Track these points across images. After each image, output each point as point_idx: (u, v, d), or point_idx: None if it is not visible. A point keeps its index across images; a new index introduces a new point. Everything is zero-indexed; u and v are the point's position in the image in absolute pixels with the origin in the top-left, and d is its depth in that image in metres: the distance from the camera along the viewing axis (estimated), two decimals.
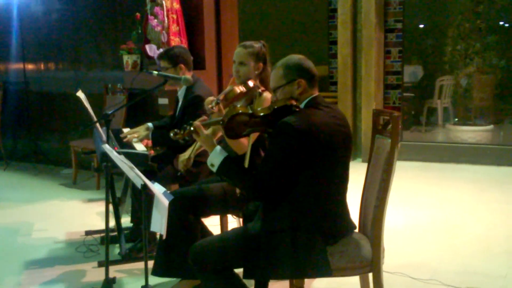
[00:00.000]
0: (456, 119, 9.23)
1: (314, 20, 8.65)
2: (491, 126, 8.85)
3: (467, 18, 8.94)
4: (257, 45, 3.28)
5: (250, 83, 3.09)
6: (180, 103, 4.05)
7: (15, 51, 7.36)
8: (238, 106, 2.59)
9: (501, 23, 9.36)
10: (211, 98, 3.16)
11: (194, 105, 3.87)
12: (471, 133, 8.48)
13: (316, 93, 2.59)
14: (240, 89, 3.05)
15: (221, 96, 3.02)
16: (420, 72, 9.91)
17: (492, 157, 6.92)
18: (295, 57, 2.61)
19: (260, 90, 3.13)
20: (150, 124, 4.04)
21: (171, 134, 2.56)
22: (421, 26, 10.02)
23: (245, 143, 2.87)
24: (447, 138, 8.49)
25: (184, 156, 3.55)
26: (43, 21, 7.07)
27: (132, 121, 5.45)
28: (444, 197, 5.55)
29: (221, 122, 2.54)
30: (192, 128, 2.54)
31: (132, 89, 5.68)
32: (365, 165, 2.87)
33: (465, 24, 8.94)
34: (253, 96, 3.13)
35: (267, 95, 3.09)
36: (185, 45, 5.12)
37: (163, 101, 5.15)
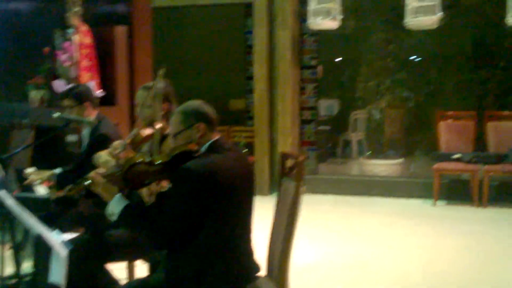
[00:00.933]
0: (369, 153, 9.55)
1: (231, 55, 8.75)
2: (401, 159, 9.21)
3: (379, 56, 9.34)
4: (160, 85, 3.23)
5: (156, 125, 3.05)
6: (84, 144, 3.92)
7: None
8: (137, 155, 2.52)
9: (410, 60, 9.85)
10: (117, 142, 3.08)
11: (99, 145, 3.74)
12: (383, 167, 8.78)
13: (216, 136, 2.58)
14: (146, 131, 2.99)
15: (128, 140, 2.95)
16: (335, 106, 10.21)
17: (403, 190, 7.19)
18: (194, 103, 2.60)
19: (167, 132, 3.09)
20: (57, 170, 3.87)
21: (65, 191, 2.45)
22: (337, 61, 10.38)
23: (153, 190, 2.80)
24: (361, 171, 8.76)
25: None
26: None
27: (39, 159, 5.23)
28: (356, 231, 5.67)
29: (118, 173, 2.47)
30: (87, 182, 2.45)
31: (40, 125, 5.47)
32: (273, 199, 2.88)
33: (376, 62, 9.34)
34: (161, 137, 3.08)
35: None
36: (96, 80, 5.01)
37: (72, 138, 4.99)
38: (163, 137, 3.09)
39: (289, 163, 2.85)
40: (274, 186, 7.56)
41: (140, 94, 3.25)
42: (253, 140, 7.65)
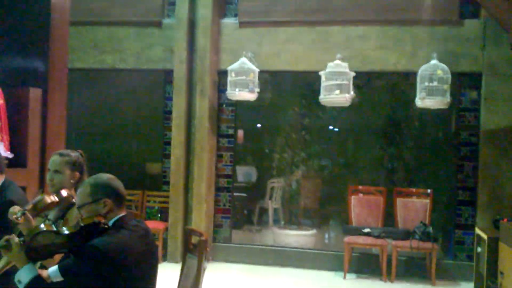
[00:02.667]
0: (283, 223, 9.68)
1: (150, 120, 8.76)
2: (314, 231, 9.39)
3: (294, 128, 9.66)
4: (74, 154, 3.22)
5: (64, 193, 3.00)
6: None
7: None
8: (43, 225, 2.48)
9: (325, 134, 10.23)
10: (16, 208, 2.99)
11: (5, 211, 3.62)
12: (296, 237, 8.89)
13: (123, 212, 2.59)
14: (51, 198, 2.94)
15: (29, 206, 2.88)
16: (253, 173, 10.35)
17: (315, 262, 7.30)
18: (104, 176, 2.61)
19: (74, 200, 3.04)
20: None
21: None
22: (254, 129, 10.62)
23: (57, 259, 2.73)
24: (275, 241, 8.83)
25: None
26: None
27: None
28: None
29: (22, 242, 2.41)
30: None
31: None
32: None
33: (292, 134, 9.64)
34: (66, 206, 3.03)
35: None
36: (6, 142, 4.86)
37: None
38: (70, 205, 3.05)
39: (194, 239, 2.87)
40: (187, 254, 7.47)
41: (53, 160, 3.23)
42: (167, 206, 7.58)
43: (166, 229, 7.49)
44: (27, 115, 5.05)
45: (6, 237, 2.46)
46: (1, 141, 4.78)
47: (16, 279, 2.40)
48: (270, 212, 9.61)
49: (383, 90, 9.12)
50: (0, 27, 5.55)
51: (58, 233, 2.43)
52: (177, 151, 7.51)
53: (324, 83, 6.91)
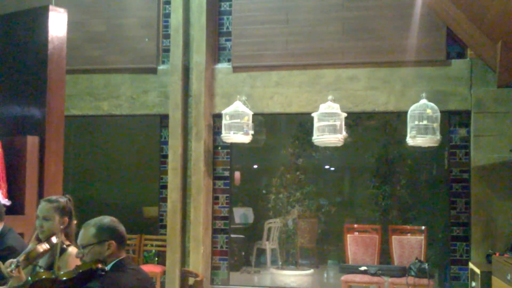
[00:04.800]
0: (281, 263, 9.68)
1: (146, 164, 8.87)
2: (311, 270, 9.39)
3: (289, 169, 9.77)
4: (62, 199, 3.29)
5: (54, 239, 3.07)
6: None
7: None
8: (41, 271, 2.56)
9: (319, 173, 10.35)
10: (9, 261, 3.05)
11: (5, 257, 3.68)
12: (294, 277, 8.90)
13: (123, 255, 2.66)
14: (43, 247, 3.00)
15: (21, 257, 2.93)
16: (249, 214, 10.40)
17: None
18: (108, 219, 2.69)
19: (65, 246, 3.10)
20: None
21: None
22: (250, 170, 10.72)
23: None
24: (273, 282, 8.82)
25: None
26: None
27: None
28: None
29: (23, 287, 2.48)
30: None
31: None
32: None
33: (286, 174, 9.75)
34: (56, 252, 3.08)
35: (72, 250, 3.08)
36: (3, 189, 4.95)
37: None
38: (61, 252, 3.10)
39: (190, 280, 2.94)
40: None
41: (42, 207, 3.29)
42: (165, 249, 7.60)
43: (164, 272, 7.48)
44: (24, 163, 5.15)
45: None
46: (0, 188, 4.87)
47: None
48: (268, 253, 9.63)
49: (375, 129, 9.28)
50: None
51: (57, 280, 2.50)
52: (173, 194, 7.58)
53: (316, 124, 7.05)
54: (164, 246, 7.62)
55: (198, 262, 7.35)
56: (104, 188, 9.11)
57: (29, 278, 2.48)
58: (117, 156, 9.34)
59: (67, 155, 5.68)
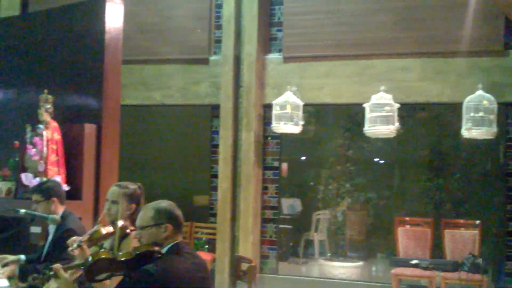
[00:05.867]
0: (329, 254, 9.65)
1: (197, 153, 8.98)
2: (361, 262, 9.32)
3: (338, 160, 9.71)
4: (132, 186, 3.38)
5: (119, 223, 3.15)
6: (50, 237, 3.98)
7: None
8: (101, 251, 2.64)
9: (370, 165, 10.24)
10: (73, 238, 3.16)
11: (65, 239, 3.81)
12: (343, 269, 8.86)
13: (179, 239, 2.71)
14: (106, 229, 3.09)
15: (84, 238, 3.04)
16: (298, 205, 10.40)
17: None
18: (166, 203, 2.75)
19: (128, 231, 3.19)
20: (22, 257, 3.91)
21: (30, 279, 2.54)
22: (299, 161, 10.71)
23: (108, 285, 2.87)
24: (321, 273, 8.81)
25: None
26: None
27: (2, 249, 5.20)
28: None
29: (82, 267, 2.57)
30: (51, 273, 2.54)
31: (4, 216, 5.48)
32: None
33: (336, 166, 9.69)
34: (121, 235, 3.17)
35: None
36: (62, 175, 5.12)
37: (35, 229, 4.99)
38: (124, 236, 3.19)
39: (244, 266, 2.97)
40: (234, 285, 7.55)
41: (112, 191, 3.39)
42: (215, 238, 7.70)
43: (214, 260, 7.59)
44: (82, 150, 5.31)
45: (52, 266, 2.59)
46: (58, 174, 5.05)
47: None
48: (316, 244, 9.61)
49: (428, 121, 9.10)
50: (57, 67, 5.91)
51: (115, 259, 2.58)
52: (223, 183, 7.66)
53: (368, 114, 6.98)
54: (214, 234, 7.73)
55: (248, 251, 7.39)
56: (156, 177, 9.28)
57: (90, 257, 2.57)
58: (168, 146, 9.49)
59: (121, 145, 5.81)
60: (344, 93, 7.50)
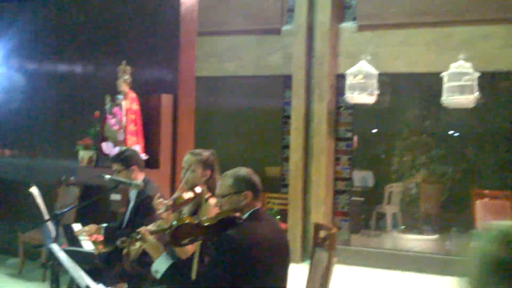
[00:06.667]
0: (403, 227, 9.49)
1: (269, 124, 9.00)
2: (436, 236, 9.12)
3: (414, 132, 9.46)
4: (205, 153, 3.43)
5: (197, 189, 3.22)
6: (131, 204, 4.12)
7: None
8: (185, 216, 2.71)
9: (446, 136, 9.94)
10: (160, 201, 3.25)
11: (145, 206, 3.94)
12: (417, 242, 8.71)
13: (258, 206, 2.73)
14: (187, 195, 3.16)
15: (170, 202, 3.13)
16: (370, 178, 10.26)
17: (437, 267, 7.09)
18: (245, 170, 2.77)
19: (206, 196, 3.25)
20: (105, 225, 4.07)
21: (118, 243, 2.63)
22: (371, 134, 10.53)
23: (189, 249, 2.95)
24: (394, 245, 8.70)
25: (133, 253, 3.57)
26: (2, 109, 7.15)
27: (83, 216, 5.45)
28: None
29: (167, 231, 2.64)
30: (138, 237, 2.63)
31: (86, 184, 5.72)
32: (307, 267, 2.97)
33: (412, 137, 9.45)
34: (199, 201, 3.24)
35: (212, 201, 3.22)
36: (141, 144, 5.26)
37: (115, 197, 5.19)
38: (202, 202, 3.25)
39: (322, 234, 2.97)
40: (306, 254, 7.58)
41: (186, 159, 3.46)
42: (286, 208, 7.74)
43: (286, 230, 7.64)
44: (159, 120, 5.43)
45: (139, 230, 2.68)
46: (137, 143, 5.19)
47: (153, 270, 2.59)
48: (388, 217, 9.47)
49: (509, 90, 8.69)
50: (134, 40, 6.03)
51: (199, 224, 2.63)
52: (295, 154, 7.66)
53: (446, 84, 6.74)
54: (286, 204, 7.77)
55: (320, 222, 7.40)
56: (229, 147, 9.39)
57: (174, 222, 2.63)
58: (241, 117, 9.57)
59: (195, 116, 5.89)
60: (421, 62, 7.27)
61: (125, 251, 3.10)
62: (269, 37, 8.08)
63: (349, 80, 7.18)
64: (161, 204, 3.18)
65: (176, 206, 3.16)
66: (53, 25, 6.76)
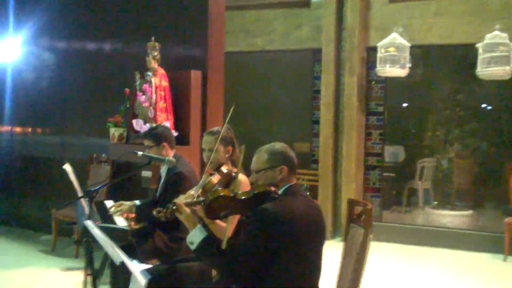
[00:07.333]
0: (436, 202, 9.35)
1: (298, 99, 8.90)
2: (470, 211, 8.97)
3: (447, 105, 9.25)
4: (223, 130, 3.38)
5: (224, 170, 3.18)
6: (162, 180, 4.12)
7: (5, 114, 7.46)
8: (220, 188, 2.68)
9: (481, 110, 9.70)
10: (191, 193, 3.21)
11: (176, 182, 3.94)
12: (450, 218, 8.58)
13: (294, 181, 2.69)
14: (216, 178, 3.12)
15: (198, 191, 3.07)
16: (401, 153, 10.09)
17: (470, 243, 6.99)
18: (280, 145, 2.73)
19: (233, 173, 3.21)
20: (137, 202, 4.09)
21: (155, 213, 2.63)
22: (403, 108, 10.34)
23: (222, 225, 2.92)
24: (426, 221, 8.59)
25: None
26: (33, 87, 7.22)
27: (115, 192, 5.49)
28: (419, 283, 5.57)
29: (203, 203, 2.62)
30: (174, 207, 2.61)
31: (118, 161, 5.75)
32: (341, 244, 2.92)
33: (445, 111, 9.24)
34: (229, 180, 3.19)
35: (242, 177, 3.17)
36: (171, 121, 5.24)
37: (146, 173, 5.21)
38: (231, 179, 3.22)
39: (357, 210, 2.91)
40: (337, 231, 7.55)
41: (205, 140, 3.43)
42: (316, 184, 7.68)
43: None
44: (189, 97, 5.40)
45: (175, 201, 2.66)
46: (167, 120, 5.17)
47: (188, 241, 2.58)
48: (420, 193, 9.34)
49: None
50: (162, 16, 5.98)
51: (235, 198, 2.60)
52: (325, 129, 7.57)
53: (481, 55, 6.54)
54: (316, 181, 7.71)
55: (350, 197, 7.32)
56: (257, 123, 9.32)
57: (209, 194, 2.60)
58: (270, 92, 9.47)
59: (224, 91, 5.84)
60: (455, 33, 7.06)
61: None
62: (298, 10, 7.95)
63: (381, 53, 7.02)
64: (191, 196, 3.12)
65: (207, 191, 3.12)
66: (82, 2, 6.75)
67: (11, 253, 6.22)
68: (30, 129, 7.41)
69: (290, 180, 2.66)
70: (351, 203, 2.96)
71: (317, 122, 7.85)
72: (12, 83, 7.35)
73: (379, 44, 7.00)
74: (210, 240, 2.54)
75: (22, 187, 7.38)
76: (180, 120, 5.37)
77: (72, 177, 3.81)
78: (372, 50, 7.31)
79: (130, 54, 6.22)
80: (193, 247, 2.56)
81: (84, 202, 3.75)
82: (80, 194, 3.68)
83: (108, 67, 6.43)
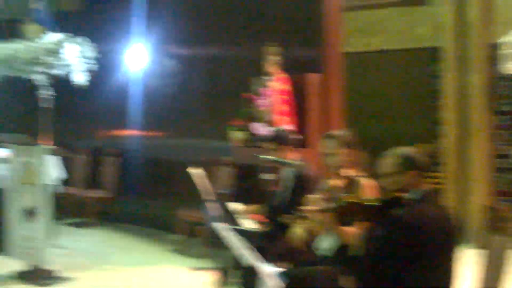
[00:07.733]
0: None
1: (417, 100, 8.62)
2: None
3: None
4: (341, 133, 3.33)
5: (346, 173, 3.15)
6: (288, 183, 4.13)
7: (134, 120, 7.88)
8: (348, 195, 2.67)
9: None
10: (316, 197, 3.20)
11: (303, 185, 3.94)
12: None
13: (424, 186, 2.62)
14: (339, 182, 3.10)
15: (325, 195, 3.05)
16: None
17: None
18: (410, 149, 2.68)
19: (356, 177, 3.16)
20: (264, 205, 4.16)
21: (284, 219, 2.67)
22: None
23: (350, 231, 2.90)
24: None
25: (299, 232, 3.54)
26: (158, 93, 7.58)
27: (239, 195, 5.61)
28: None
29: (332, 210, 2.62)
30: (305, 214, 2.64)
31: (242, 164, 5.87)
32: (471, 251, 2.79)
33: None
34: (352, 184, 3.16)
35: (365, 181, 3.12)
36: (294, 124, 5.27)
37: (268, 176, 5.28)
38: (353, 182, 3.18)
39: (493, 216, 2.77)
40: (464, 236, 7.18)
41: (324, 144, 3.39)
42: (439, 187, 7.37)
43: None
44: (307, 99, 5.42)
45: (306, 207, 2.67)
46: (288, 123, 5.22)
47: (322, 247, 2.59)
48: None
49: None
50: (277, 20, 6.06)
51: (362, 204, 2.58)
52: (450, 130, 7.24)
53: None
54: (439, 184, 7.39)
55: (479, 202, 6.92)
56: (378, 125, 9.11)
57: (339, 201, 2.59)
58: (387, 93, 9.26)
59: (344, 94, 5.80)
60: None
61: (293, 231, 3.09)
62: (415, 8, 7.73)
63: (506, 50, 6.62)
64: (316, 201, 3.12)
65: (333, 197, 3.12)
66: (199, 9, 6.98)
67: (141, 252, 6.50)
68: (156, 133, 7.79)
69: (420, 185, 2.60)
70: (488, 209, 2.82)
71: (438, 122, 7.55)
72: (141, 90, 7.75)
73: (504, 41, 6.60)
74: (343, 247, 2.54)
75: (150, 188, 7.75)
76: (301, 123, 5.40)
77: (199, 179, 3.93)
78: (497, 46, 6.90)
79: (246, 58, 6.33)
80: (326, 253, 2.57)
81: (213, 204, 3.88)
82: (207, 196, 3.80)
83: (226, 72, 6.62)
